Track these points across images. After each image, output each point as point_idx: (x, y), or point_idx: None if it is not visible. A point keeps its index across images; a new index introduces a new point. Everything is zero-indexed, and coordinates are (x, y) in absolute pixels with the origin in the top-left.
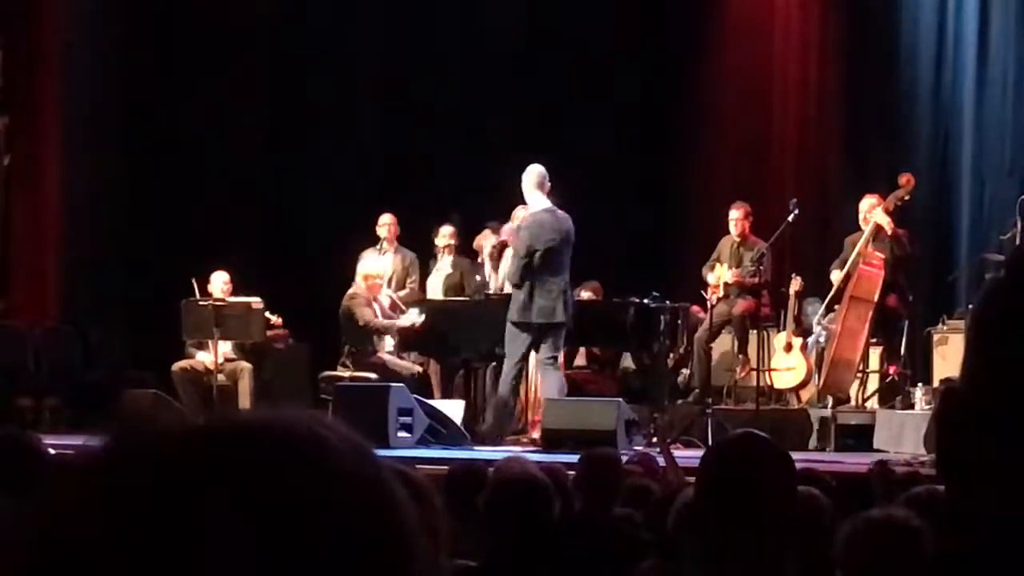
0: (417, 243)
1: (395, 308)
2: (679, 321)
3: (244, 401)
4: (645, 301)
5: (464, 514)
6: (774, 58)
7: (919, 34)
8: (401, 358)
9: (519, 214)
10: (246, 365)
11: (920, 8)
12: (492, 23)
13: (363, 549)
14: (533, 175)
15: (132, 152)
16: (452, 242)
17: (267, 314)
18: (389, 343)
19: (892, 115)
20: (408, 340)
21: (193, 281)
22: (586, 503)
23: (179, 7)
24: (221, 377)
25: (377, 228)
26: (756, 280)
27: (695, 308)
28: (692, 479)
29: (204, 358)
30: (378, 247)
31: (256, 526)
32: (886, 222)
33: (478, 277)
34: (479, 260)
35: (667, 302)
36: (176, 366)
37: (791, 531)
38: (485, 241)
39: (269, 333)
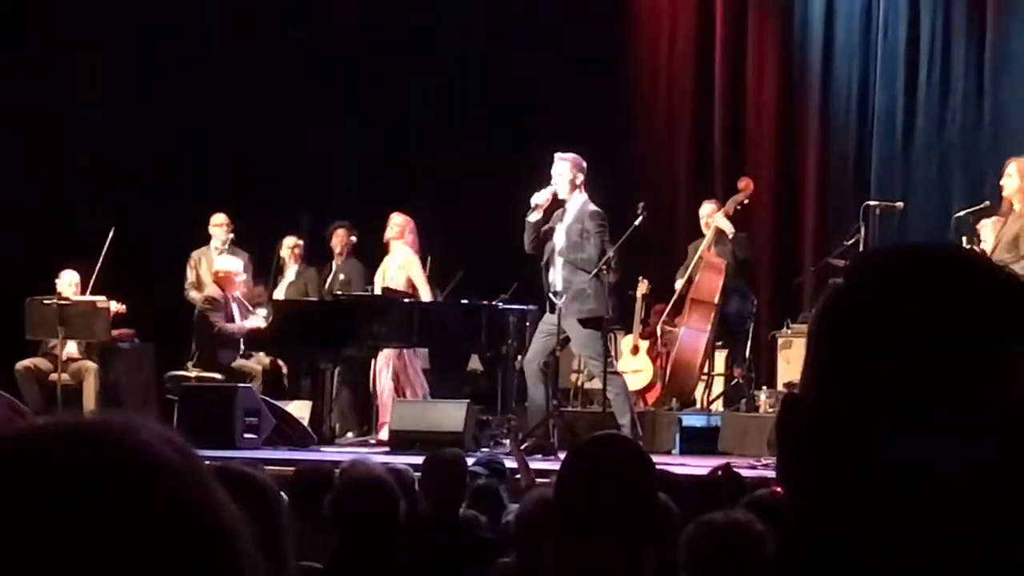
0: (264, 245)
1: (242, 307)
2: (527, 323)
3: (89, 401)
4: (494, 303)
5: (310, 515)
6: (627, 62)
7: (766, 40)
8: (248, 358)
9: (394, 220)
10: (91, 365)
11: (768, 14)
12: (338, 19)
13: (180, 552)
14: (577, 164)
15: None
16: (296, 251)
17: (111, 304)
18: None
19: (739, 119)
20: (255, 340)
21: (56, 283)
22: (432, 505)
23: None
24: (65, 376)
25: (211, 228)
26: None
27: None
28: (542, 481)
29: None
30: (213, 246)
31: (74, 530)
32: (727, 226)
33: (342, 276)
34: (333, 261)
35: (515, 304)
36: (20, 365)
37: (650, 532)
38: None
39: (114, 332)
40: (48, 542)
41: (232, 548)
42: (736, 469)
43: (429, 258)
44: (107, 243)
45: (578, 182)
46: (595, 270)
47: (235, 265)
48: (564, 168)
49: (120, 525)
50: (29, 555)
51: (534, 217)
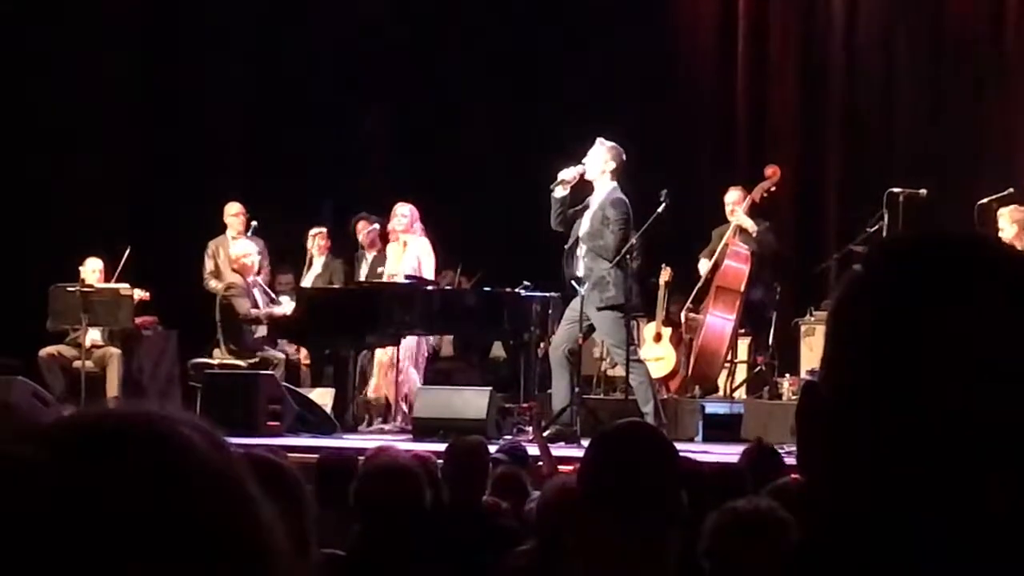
0: (287, 234)
1: (264, 294)
2: (549, 311)
3: (112, 388)
4: (517, 290)
5: (333, 502)
6: (650, 48)
7: (789, 25)
8: (273, 346)
9: (401, 211)
10: (115, 351)
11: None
12: (365, 16)
13: (214, 548)
14: (615, 153)
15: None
16: (323, 243)
17: (135, 291)
18: (262, 330)
19: (762, 105)
20: (279, 328)
21: (80, 269)
22: (454, 492)
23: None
24: (89, 364)
25: (227, 218)
26: None
27: None
28: (563, 468)
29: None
30: (229, 236)
31: (114, 527)
32: (749, 224)
33: (380, 269)
34: (358, 252)
35: (537, 291)
36: (43, 352)
37: (675, 520)
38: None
39: (138, 320)
40: (85, 535)
41: (265, 546)
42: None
43: (460, 266)
44: (123, 259)
45: (608, 169)
46: (616, 259)
47: (248, 248)
48: (600, 152)
49: (154, 520)
50: (63, 549)
51: (559, 192)
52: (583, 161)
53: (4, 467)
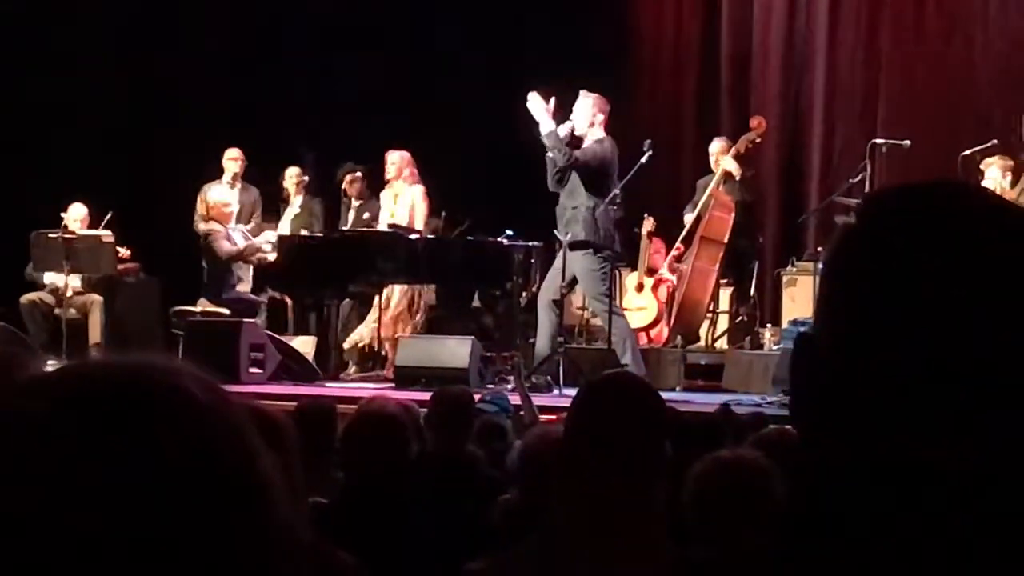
0: (267, 181)
1: (246, 237)
2: (532, 260)
3: (94, 335)
4: (499, 239)
5: (312, 450)
6: (630, 5)
7: None
8: (257, 294)
9: (391, 159)
10: (97, 298)
11: None
12: None
13: (221, 498)
14: (600, 104)
15: None
16: (300, 181)
17: (117, 248)
18: (245, 286)
19: (745, 58)
20: (263, 277)
21: (63, 215)
22: (438, 441)
23: None
24: (71, 311)
25: (224, 162)
26: None
27: None
28: (545, 417)
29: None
30: (224, 180)
31: (125, 483)
32: (734, 167)
33: (367, 215)
34: (344, 199)
35: (519, 240)
36: (25, 298)
37: (661, 470)
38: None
39: (119, 267)
40: (88, 482)
41: (268, 497)
42: (737, 408)
43: (444, 213)
44: (105, 219)
45: (597, 121)
46: (592, 203)
47: (225, 196)
48: (586, 104)
49: (155, 468)
50: (65, 496)
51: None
52: (570, 117)
53: (15, 425)
